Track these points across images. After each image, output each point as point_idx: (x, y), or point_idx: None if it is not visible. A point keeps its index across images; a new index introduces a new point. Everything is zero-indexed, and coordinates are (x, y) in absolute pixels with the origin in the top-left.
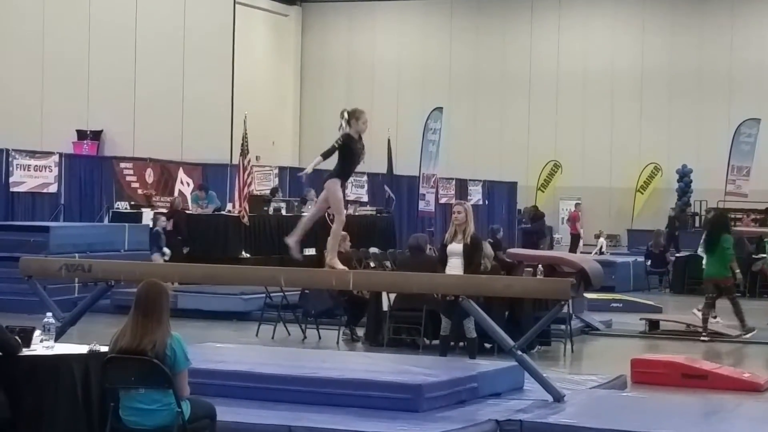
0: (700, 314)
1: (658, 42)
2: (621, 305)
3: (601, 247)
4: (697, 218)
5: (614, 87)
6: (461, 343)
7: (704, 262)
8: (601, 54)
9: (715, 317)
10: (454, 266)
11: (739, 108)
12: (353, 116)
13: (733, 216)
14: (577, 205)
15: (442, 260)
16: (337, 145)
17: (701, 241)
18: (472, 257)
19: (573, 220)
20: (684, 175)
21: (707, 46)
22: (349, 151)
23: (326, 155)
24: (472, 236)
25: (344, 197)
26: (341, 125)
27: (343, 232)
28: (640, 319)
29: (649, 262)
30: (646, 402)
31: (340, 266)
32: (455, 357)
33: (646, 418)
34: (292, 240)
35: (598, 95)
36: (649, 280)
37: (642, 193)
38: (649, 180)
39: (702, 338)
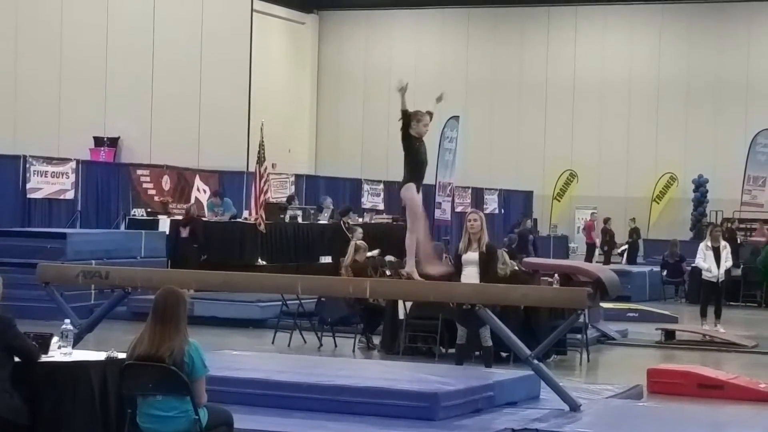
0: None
1: (674, 51)
2: (637, 315)
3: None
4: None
5: (631, 96)
6: (477, 352)
7: None
8: (617, 63)
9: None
10: (470, 275)
11: (755, 118)
12: (414, 117)
13: (747, 226)
14: (592, 214)
15: (457, 268)
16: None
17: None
18: (487, 266)
19: (588, 229)
20: (700, 185)
21: (724, 55)
22: (413, 153)
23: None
24: (487, 245)
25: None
26: (402, 124)
27: (363, 243)
28: (656, 329)
29: (665, 272)
30: (662, 412)
31: (416, 274)
32: (471, 366)
33: (663, 428)
34: (409, 267)
35: (615, 104)
36: (665, 290)
37: (658, 203)
38: (665, 190)
39: None
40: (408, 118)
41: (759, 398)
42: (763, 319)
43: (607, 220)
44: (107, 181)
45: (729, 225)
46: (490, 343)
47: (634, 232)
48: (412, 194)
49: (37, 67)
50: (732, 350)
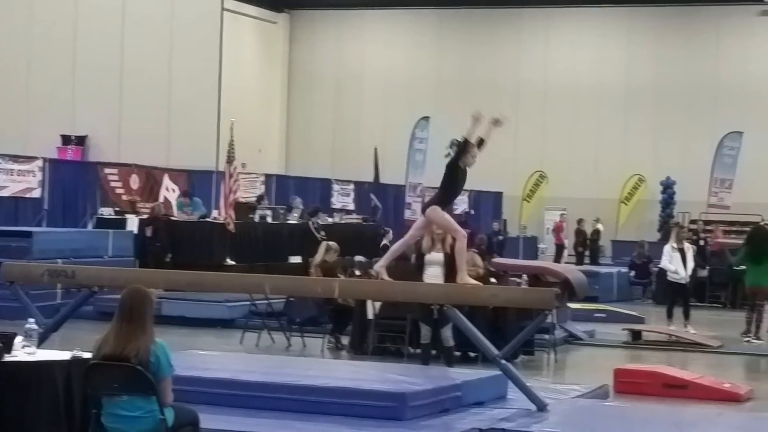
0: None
1: (643, 54)
2: (604, 315)
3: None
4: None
5: (600, 98)
6: (434, 351)
7: (748, 272)
8: (587, 65)
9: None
10: (434, 275)
11: (723, 121)
12: (464, 147)
13: (704, 228)
14: (562, 215)
15: (420, 267)
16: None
17: (741, 254)
18: (453, 266)
19: (557, 230)
20: (668, 187)
21: (692, 59)
22: (453, 181)
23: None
24: (452, 245)
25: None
26: (448, 154)
27: (334, 243)
28: (623, 329)
29: (632, 273)
30: (628, 411)
31: (472, 281)
32: (438, 365)
33: (628, 428)
34: (380, 267)
35: (584, 106)
36: (633, 291)
37: (626, 205)
38: (633, 191)
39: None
40: (464, 148)
41: (723, 398)
42: (728, 320)
43: (580, 221)
44: (74, 179)
45: (694, 227)
46: (451, 342)
47: (596, 234)
48: (441, 215)
49: (4, 64)
50: (697, 350)
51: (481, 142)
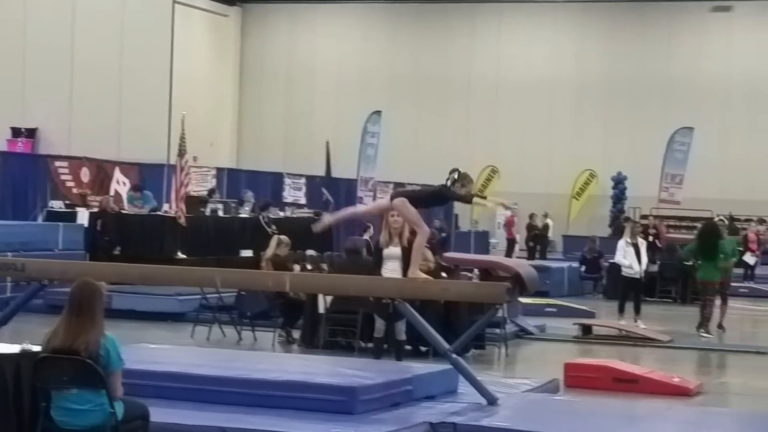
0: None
1: (596, 51)
2: (555, 310)
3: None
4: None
5: (552, 93)
6: (385, 345)
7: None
8: (540, 60)
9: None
10: (393, 269)
11: (673, 116)
12: (462, 180)
13: (665, 223)
14: (513, 209)
15: (378, 263)
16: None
17: (690, 249)
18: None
19: (509, 225)
20: (619, 182)
21: (644, 54)
22: (435, 197)
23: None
24: (409, 240)
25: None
26: (450, 179)
27: (285, 237)
28: (574, 323)
29: (583, 268)
30: (578, 405)
31: (423, 276)
32: (389, 360)
33: (578, 422)
34: (328, 218)
35: (537, 101)
36: (583, 286)
37: (577, 200)
38: (585, 186)
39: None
40: (463, 182)
41: (673, 392)
42: (678, 315)
43: (531, 216)
44: (24, 172)
45: (645, 222)
46: (403, 337)
47: (545, 228)
48: (409, 209)
49: None
50: (648, 345)
51: (477, 196)
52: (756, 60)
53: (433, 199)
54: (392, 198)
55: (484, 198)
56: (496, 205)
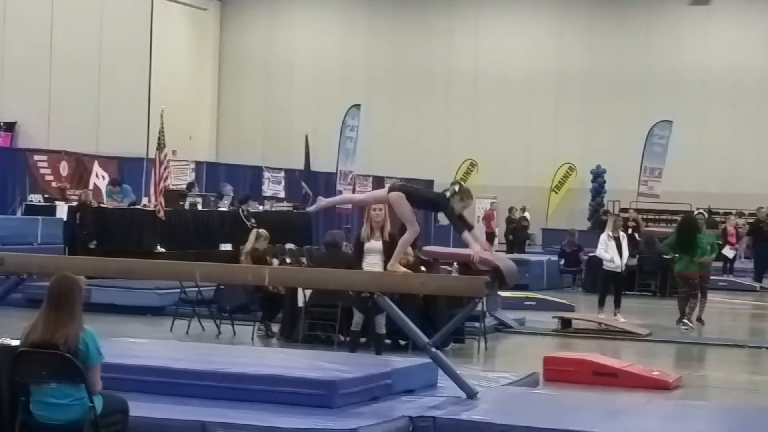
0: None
1: (574, 43)
2: (534, 303)
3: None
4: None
5: (531, 86)
6: (363, 339)
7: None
8: (519, 53)
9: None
10: (374, 263)
11: (652, 110)
12: (462, 194)
13: (644, 216)
14: (492, 203)
15: (359, 256)
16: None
17: (669, 242)
18: (392, 254)
19: (488, 218)
20: (598, 176)
21: (623, 48)
22: (435, 206)
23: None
24: (390, 233)
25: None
26: (450, 190)
27: (264, 231)
28: (553, 317)
29: (562, 261)
30: (557, 399)
31: (402, 269)
32: (368, 353)
33: (558, 415)
34: (323, 201)
35: (516, 94)
36: (563, 279)
37: (556, 193)
38: (564, 180)
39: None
40: (462, 196)
41: (652, 386)
42: (657, 308)
43: (511, 210)
44: (3, 166)
45: (625, 215)
46: (383, 330)
47: (522, 221)
48: (404, 203)
49: None
50: (627, 338)
51: (465, 224)
52: (734, 53)
53: (428, 204)
54: (390, 190)
55: (470, 228)
56: (474, 244)
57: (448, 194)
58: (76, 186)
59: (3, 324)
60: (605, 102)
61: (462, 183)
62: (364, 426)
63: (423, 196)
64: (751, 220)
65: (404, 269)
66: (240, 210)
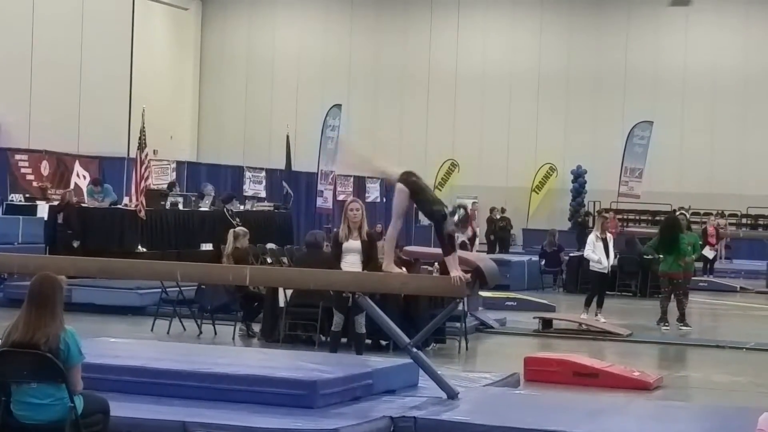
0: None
1: (555, 43)
2: (515, 304)
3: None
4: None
5: (512, 87)
6: (344, 339)
7: (662, 260)
8: (499, 53)
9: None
10: (352, 263)
11: (633, 110)
12: (460, 220)
13: (624, 217)
14: (473, 203)
15: (337, 256)
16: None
17: (652, 243)
18: (370, 254)
19: (469, 218)
20: (578, 176)
21: (603, 49)
22: (430, 216)
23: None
24: (368, 233)
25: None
26: (452, 212)
27: (242, 228)
28: (534, 317)
29: (543, 262)
30: (538, 399)
31: (396, 269)
32: (348, 353)
33: (538, 416)
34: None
35: (496, 95)
36: (543, 279)
37: (537, 193)
38: (545, 180)
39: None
40: (460, 219)
41: (633, 386)
42: (637, 309)
43: (492, 210)
44: None
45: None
46: (363, 330)
47: (501, 221)
48: (404, 197)
49: None
50: (607, 339)
51: (452, 242)
52: (714, 54)
53: (425, 211)
54: (401, 180)
55: (451, 251)
56: (454, 270)
57: (446, 213)
58: (57, 186)
59: None
60: (586, 102)
61: (467, 211)
62: (344, 426)
63: (424, 202)
64: (732, 221)
65: (398, 269)
66: (225, 210)
